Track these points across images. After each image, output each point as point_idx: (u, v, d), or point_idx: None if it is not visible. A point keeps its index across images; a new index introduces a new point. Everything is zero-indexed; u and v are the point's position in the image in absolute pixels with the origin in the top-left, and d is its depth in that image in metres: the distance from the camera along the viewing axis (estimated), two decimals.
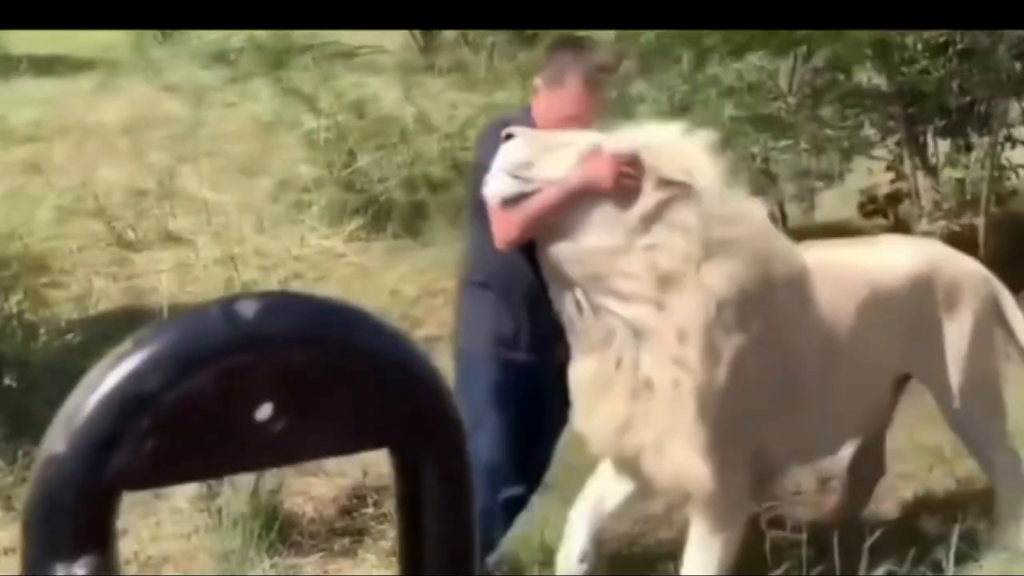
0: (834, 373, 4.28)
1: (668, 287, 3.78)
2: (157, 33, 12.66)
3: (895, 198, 9.04)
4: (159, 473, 0.99)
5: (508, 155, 3.84)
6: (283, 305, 1.02)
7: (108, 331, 6.44)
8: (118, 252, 8.51)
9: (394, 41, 12.75)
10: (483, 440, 3.96)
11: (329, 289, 6.97)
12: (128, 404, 0.98)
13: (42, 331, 6.11)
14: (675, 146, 3.86)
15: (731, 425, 3.91)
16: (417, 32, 12.42)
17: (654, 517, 4.94)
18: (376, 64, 12.02)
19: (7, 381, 5.48)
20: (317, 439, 1.04)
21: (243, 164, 9.78)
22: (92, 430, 0.97)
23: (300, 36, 11.27)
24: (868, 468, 5.08)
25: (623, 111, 8.47)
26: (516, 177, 3.80)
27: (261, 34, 11.32)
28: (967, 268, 4.65)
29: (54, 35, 10.96)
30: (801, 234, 5.61)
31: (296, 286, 7.39)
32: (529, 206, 3.79)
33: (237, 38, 11.90)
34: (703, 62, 8.47)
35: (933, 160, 8.85)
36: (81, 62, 12.41)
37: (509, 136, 3.92)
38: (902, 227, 8.13)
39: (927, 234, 7.25)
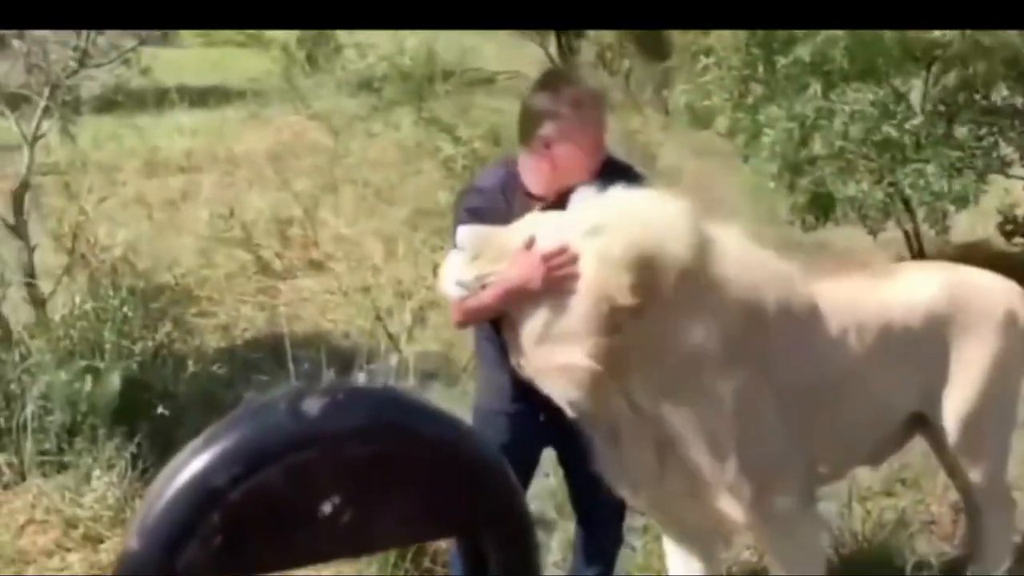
0: (842, 408, 3.99)
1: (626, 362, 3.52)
2: (304, 63, 12.66)
3: None
4: (229, 566, 1.01)
5: (453, 258, 3.69)
6: (347, 400, 1.04)
7: (254, 361, 6.49)
8: (264, 280, 8.38)
9: (532, 66, 12.65)
10: None
11: None
12: (199, 499, 1.01)
13: (190, 361, 6.08)
14: (642, 218, 3.47)
15: (751, 461, 3.68)
16: (554, 54, 12.18)
17: None
18: (515, 89, 11.87)
19: (159, 410, 5.45)
20: (384, 529, 1.05)
21: (383, 191, 9.85)
22: (164, 525, 1.00)
23: (443, 63, 11.26)
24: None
25: (751, 138, 8.79)
26: (460, 283, 3.63)
27: (405, 61, 11.34)
28: (993, 298, 4.27)
29: (206, 65, 11.18)
30: (937, 258, 5.45)
31: (432, 314, 7.24)
32: (469, 302, 3.64)
33: (381, 66, 11.92)
34: (831, 86, 8.36)
35: None
36: (232, 92, 12.57)
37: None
38: None
39: None
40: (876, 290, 4.10)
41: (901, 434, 4.30)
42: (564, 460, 4.13)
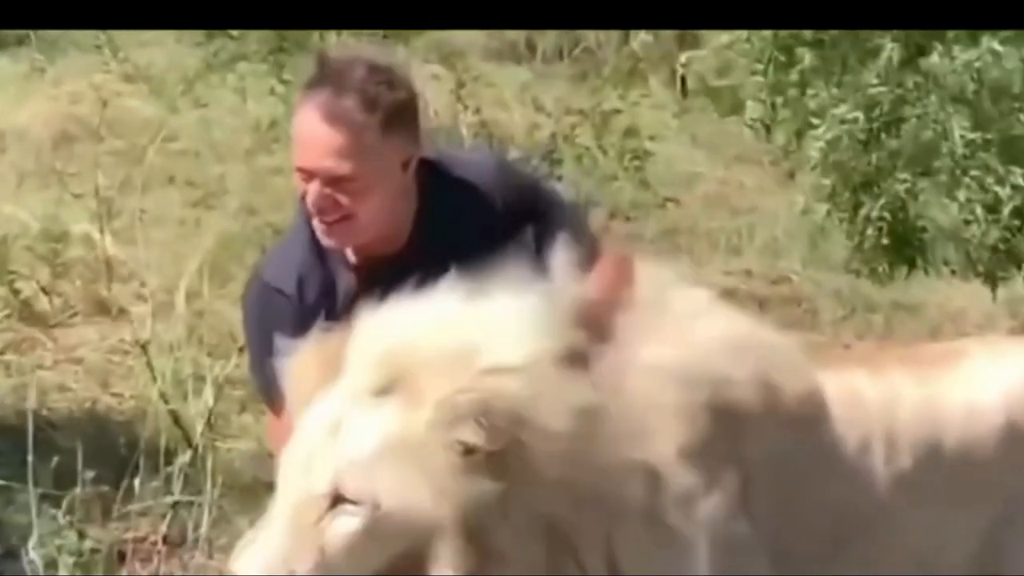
0: (862, 568, 3.55)
1: None
2: None
3: None
4: None
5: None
6: None
7: None
8: (20, 328, 7.21)
9: None
10: None
11: None
12: None
13: None
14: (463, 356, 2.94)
15: None
16: None
17: None
18: None
19: None
20: None
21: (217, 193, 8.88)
22: None
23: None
24: None
25: (795, 134, 7.48)
26: None
27: None
28: None
29: None
30: None
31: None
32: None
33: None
34: (915, 53, 6.99)
35: None
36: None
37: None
38: None
39: None
40: (921, 386, 3.68)
41: None
42: None
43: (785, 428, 3.44)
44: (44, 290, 7.41)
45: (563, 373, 3.03)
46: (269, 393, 3.35)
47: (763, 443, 3.40)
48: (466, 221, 3.23)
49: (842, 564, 3.59)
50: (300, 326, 3.27)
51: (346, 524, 2.94)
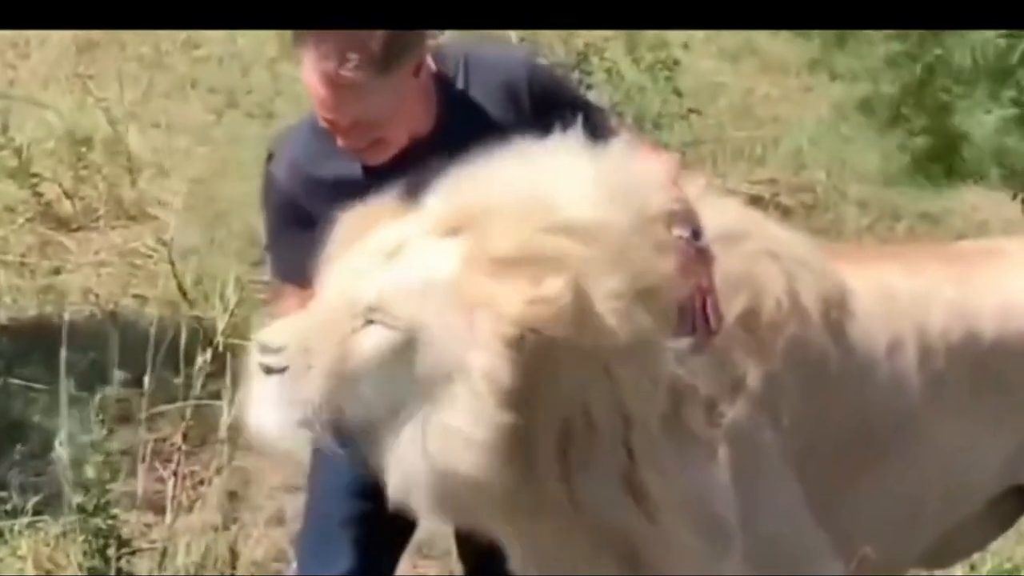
0: (894, 475, 3.51)
1: None
2: None
3: None
4: None
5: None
6: None
7: (15, 356, 5.73)
8: (44, 232, 7.13)
9: None
10: None
11: None
12: None
13: None
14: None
15: (761, 550, 3.40)
16: None
17: None
18: None
19: None
20: None
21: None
22: None
23: None
24: None
25: (836, 37, 7.67)
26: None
27: None
28: None
29: None
30: None
31: None
32: None
33: None
34: None
35: None
36: None
37: None
38: None
39: None
40: (956, 288, 3.59)
41: (991, 518, 3.79)
42: None
43: (812, 333, 3.35)
44: (67, 194, 7.27)
45: (630, 241, 2.98)
46: (284, 272, 3.32)
47: (789, 349, 3.32)
48: (491, 113, 3.18)
49: (873, 470, 3.53)
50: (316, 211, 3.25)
51: (377, 338, 2.91)
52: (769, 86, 9.59)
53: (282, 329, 3.08)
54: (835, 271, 3.48)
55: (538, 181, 3.03)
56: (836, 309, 3.41)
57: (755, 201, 7.54)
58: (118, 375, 4.75)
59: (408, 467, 3.01)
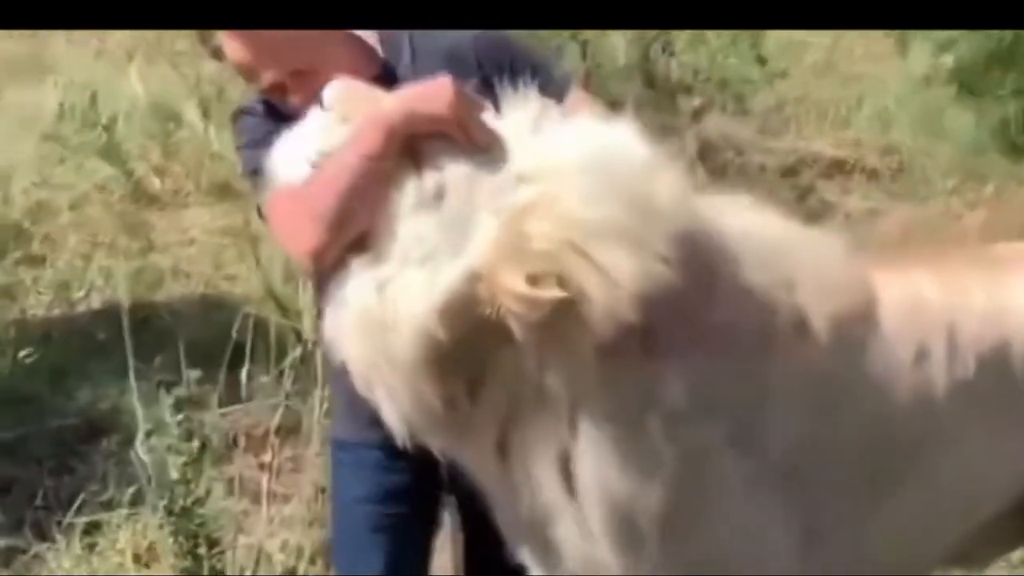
0: (909, 493, 3.36)
1: None
2: None
3: None
4: None
5: (311, 123, 3.05)
6: None
7: (96, 340, 5.80)
8: (133, 211, 7.19)
9: None
10: None
11: None
12: None
13: None
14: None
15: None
16: None
17: None
18: None
19: None
20: None
21: None
22: None
23: None
24: None
25: None
26: (321, 155, 2.98)
27: None
28: None
29: None
30: None
31: None
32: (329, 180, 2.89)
33: None
34: None
35: None
36: None
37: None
38: None
39: None
40: (990, 290, 3.42)
41: (1012, 527, 3.61)
42: (466, 517, 3.56)
43: (816, 355, 3.23)
44: (155, 171, 7.25)
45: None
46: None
47: (794, 368, 3.20)
48: (438, 61, 3.13)
49: (892, 487, 3.43)
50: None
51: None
52: (853, 44, 9.22)
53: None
54: (860, 282, 3.33)
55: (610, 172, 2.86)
56: (854, 325, 3.25)
57: (839, 164, 7.38)
58: (190, 374, 4.62)
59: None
